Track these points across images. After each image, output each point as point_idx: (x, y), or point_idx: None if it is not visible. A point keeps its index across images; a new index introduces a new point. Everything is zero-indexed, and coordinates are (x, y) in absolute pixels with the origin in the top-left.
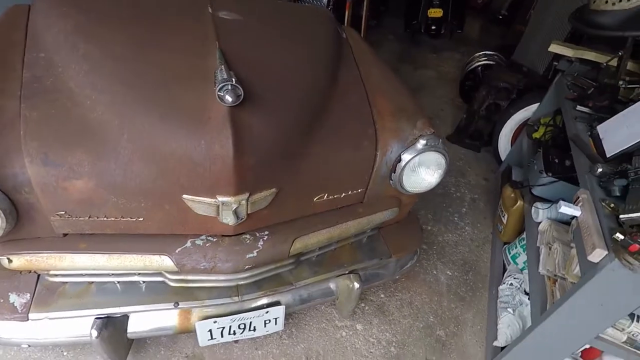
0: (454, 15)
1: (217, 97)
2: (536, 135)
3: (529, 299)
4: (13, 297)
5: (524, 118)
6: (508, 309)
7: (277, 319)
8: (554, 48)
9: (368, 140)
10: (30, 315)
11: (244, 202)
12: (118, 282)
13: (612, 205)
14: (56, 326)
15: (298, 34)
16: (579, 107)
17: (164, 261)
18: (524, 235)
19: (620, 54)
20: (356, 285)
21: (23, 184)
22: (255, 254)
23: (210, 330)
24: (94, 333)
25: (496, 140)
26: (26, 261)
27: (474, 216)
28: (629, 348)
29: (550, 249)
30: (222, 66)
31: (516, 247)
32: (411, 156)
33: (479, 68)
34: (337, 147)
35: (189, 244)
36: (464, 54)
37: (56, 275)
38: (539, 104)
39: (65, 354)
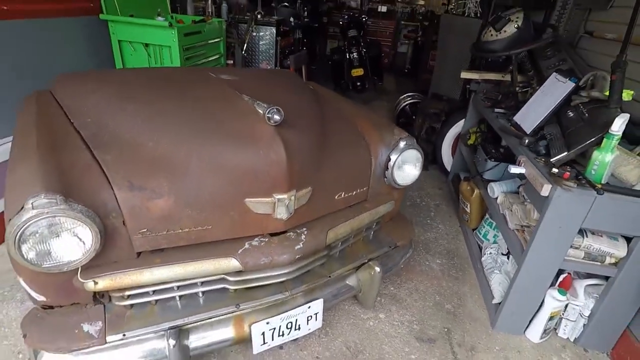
0: (373, 71)
1: (266, 119)
2: (470, 141)
3: (507, 258)
4: (87, 327)
5: (456, 133)
6: (495, 271)
7: (317, 314)
8: (465, 75)
9: (363, 149)
10: (108, 339)
11: (292, 197)
12: (180, 296)
13: (542, 159)
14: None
15: (284, 86)
16: (496, 110)
17: (231, 262)
18: (486, 217)
19: (510, 68)
20: (377, 269)
21: (112, 210)
22: (301, 246)
23: (263, 334)
24: (172, 342)
25: (440, 156)
26: (110, 281)
27: (441, 217)
28: (587, 261)
29: (511, 210)
30: (257, 101)
31: (484, 227)
32: (397, 155)
33: (407, 106)
34: (344, 156)
35: (247, 245)
36: (389, 101)
37: (123, 298)
38: (464, 119)
39: None
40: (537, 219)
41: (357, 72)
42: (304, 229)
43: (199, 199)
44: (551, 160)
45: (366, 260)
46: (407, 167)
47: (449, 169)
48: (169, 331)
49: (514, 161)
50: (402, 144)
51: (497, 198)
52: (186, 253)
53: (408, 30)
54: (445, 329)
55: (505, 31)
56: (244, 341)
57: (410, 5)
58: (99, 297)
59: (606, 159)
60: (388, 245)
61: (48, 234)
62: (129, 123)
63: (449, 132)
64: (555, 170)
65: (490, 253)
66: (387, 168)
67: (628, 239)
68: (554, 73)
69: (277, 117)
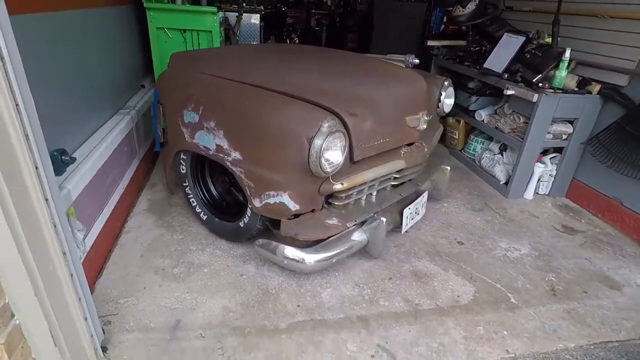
0: None
1: (408, 63)
2: None
3: (501, 155)
4: (329, 221)
5: None
6: (495, 165)
7: (424, 204)
8: (431, 42)
9: (434, 89)
10: (347, 224)
11: (426, 114)
12: (371, 194)
13: (522, 83)
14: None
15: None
16: (465, 63)
17: (400, 163)
18: (471, 137)
19: (470, 34)
20: (448, 168)
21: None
22: (426, 149)
23: (407, 217)
24: (384, 219)
25: None
26: (349, 181)
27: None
28: (554, 140)
29: (500, 121)
30: (382, 56)
31: (472, 144)
32: (445, 92)
33: None
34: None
35: (402, 151)
36: None
37: (342, 199)
38: None
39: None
40: (524, 122)
41: None
42: (420, 140)
43: (383, 119)
44: (533, 81)
45: (440, 166)
46: (447, 100)
47: None
48: (378, 213)
49: (486, 95)
50: (446, 84)
51: (483, 120)
52: (377, 160)
53: (316, 18)
54: (484, 203)
55: (468, 8)
56: (395, 225)
57: None
58: (324, 203)
59: (562, 74)
60: (443, 157)
61: (329, 146)
62: (303, 79)
63: None
64: (540, 84)
65: (487, 156)
66: (440, 101)
67: (571, 123)
68: (506, 33)
69: (416, 61)
